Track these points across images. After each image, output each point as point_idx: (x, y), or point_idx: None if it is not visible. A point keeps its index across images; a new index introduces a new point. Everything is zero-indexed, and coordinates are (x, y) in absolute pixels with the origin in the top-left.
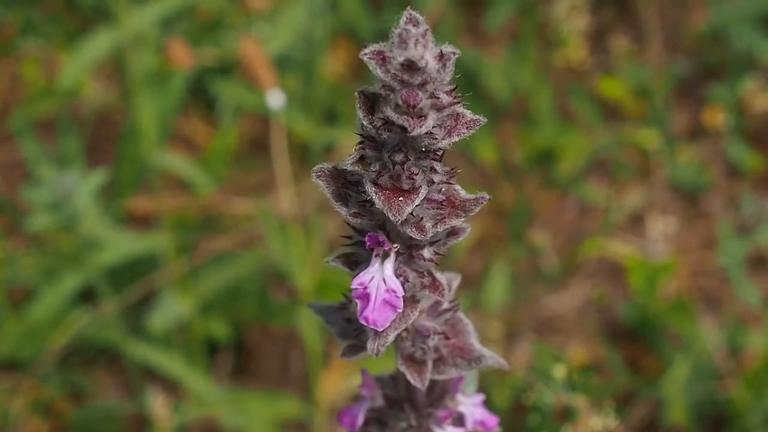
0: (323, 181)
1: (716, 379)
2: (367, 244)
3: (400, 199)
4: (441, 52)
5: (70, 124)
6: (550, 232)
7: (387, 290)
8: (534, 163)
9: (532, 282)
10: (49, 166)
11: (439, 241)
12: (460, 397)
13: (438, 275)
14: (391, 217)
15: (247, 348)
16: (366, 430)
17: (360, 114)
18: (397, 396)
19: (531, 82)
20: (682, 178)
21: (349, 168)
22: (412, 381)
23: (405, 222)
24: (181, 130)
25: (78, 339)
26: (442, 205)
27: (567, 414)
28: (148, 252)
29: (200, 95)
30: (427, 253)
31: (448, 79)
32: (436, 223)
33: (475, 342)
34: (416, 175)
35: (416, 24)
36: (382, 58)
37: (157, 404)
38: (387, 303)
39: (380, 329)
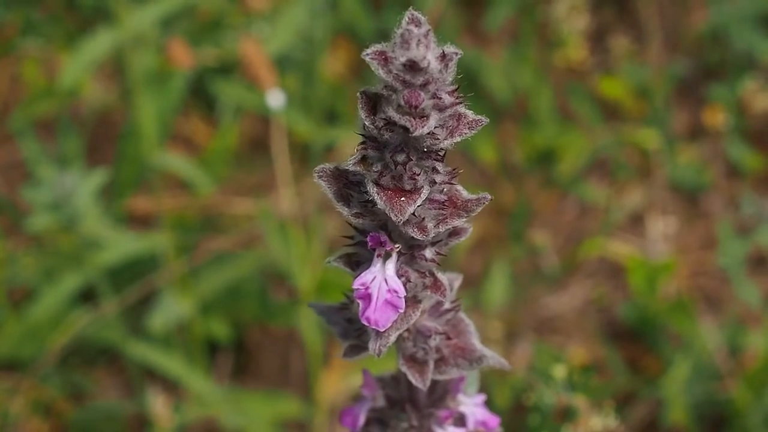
0: (325, 181)
1: (716, 379)
2: (369, 244)
3: (402, 199)
4: (443, 52)
5: (70, 124)
6: (550, 232)
7: (389, 290)
8: (534, 163)
9: (532, 282)
10: (49, 166)
11: (440, 241)
12: (461, 397)
13: (440, 275)
14: (393, 218)
15: (247, 348)
16: (367, 430)
17: (362, 114)
18: (399, 396)
19: (531, 82)
20: (682, 178)
21: (351, 168)
22: (413, 381)
23: (407, 222)
24: (181, 130)
25: (78, 339)
26: (444, 205)
27: (567, 414)
28: (148, 252)
29: (200, 95)
30: (428, 253)
31: (450, 79)
32: (438, 224)
33: (476, 342)
34: (418, 175)
35: (418, 24)
36: (385, 59)
37: (158, 404)
38: (389, 303)
39: (382, 329)
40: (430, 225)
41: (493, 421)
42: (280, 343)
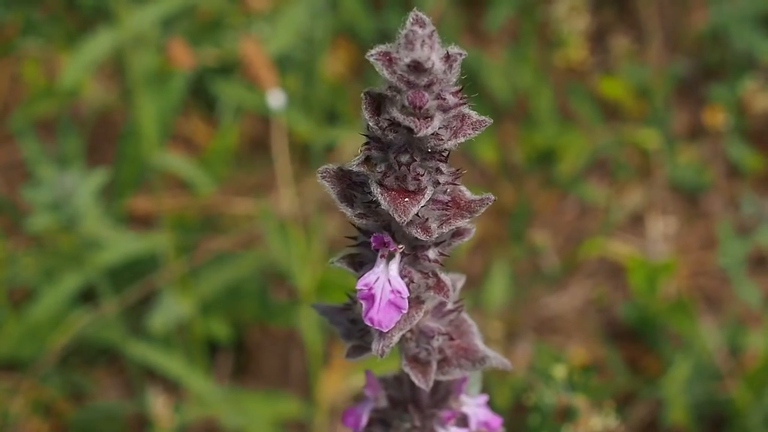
0: (328, 181)
1: (716, 379)
2: (373, 245)
3: (406, 200)
4: (447, 53)
5: (70, 124)
6: (550, 232)
7: (392, 291)
8: (534, 163)
9: (532, 282)
10: (49, 166)
11: (444, 241)
12: (463, 397)
13: (443, 276)
14: (396, 218)
15: (247, 348)
16: (370, 430)
17: (366, 115)
18: (401, 397)
19: (531, 82)
20: (682, 178)
21: (355, 169)
22: (416, 382)
23: (410, 223)
24: (182, 130)
25: (78, 339)
26: (448, 206)
27: (567, 414)
28: (148, 252)
29: (200, 95)
30: (432, 254)
31: (454, 80)
32: (442, 224)
33: (479, 343)
34: (422, 176)
35: (423, 25)
36: (389, 59)
37: (158, 404)
38: (392, 304)
39: (385, 330)
40: (433, 226)
41: (496, 421)
42: (280, 343)
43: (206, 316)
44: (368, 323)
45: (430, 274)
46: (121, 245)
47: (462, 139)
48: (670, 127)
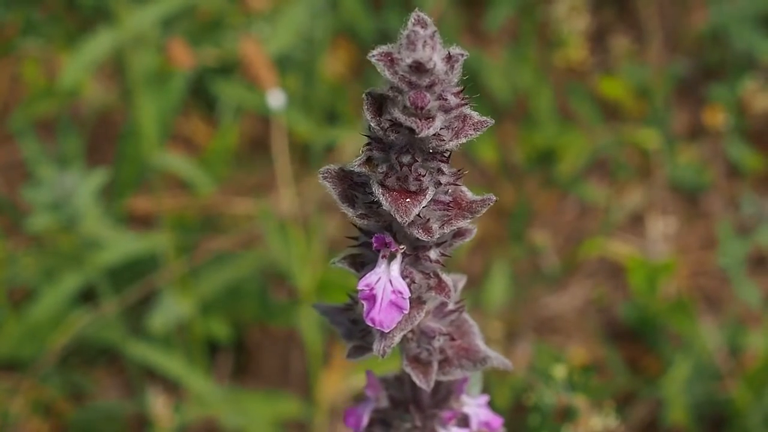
0: (330, 182)
1: (716, 379)
2: (374, 245)
3: (407, 200)
4: (449, 53)
5: (70, 124)
6: (550, 232)
7: (393, 291)
8: (534, 163)
9: (532, 282)
10: (49, 166)
11: (445, 242)
12: (464, 398)
13: (444, 276)
14: (398, 219)
15: (247, 348)
16: (371, 430)
17: (368, 115)
18: (402, 397)
19: (531, 82)
20: (682, 178)
21: (356, 169)
22: (417, 382)
23: (412, 223)
24: (182, 130)
25: (78, 339)
26: (449, 206)
27: (567, 414)
28: (148, 252)
29: (200, 95)
30: (433, 254)
31: (456, 80)
32: (443, 225)
33: (480, 343)
34: (423, 176)
35: (424, 26)
36: (390, 60)
37: (158, 404)
38: (393, 304)
39: (386, 330)
40: (435, 226)
41: (496, 421)
42: (280, 343)
43: (206, 316)
44: (369, 323)
45: (431, 274)
46: (121, 245)
47: (463, 140)
48: (670, 127)
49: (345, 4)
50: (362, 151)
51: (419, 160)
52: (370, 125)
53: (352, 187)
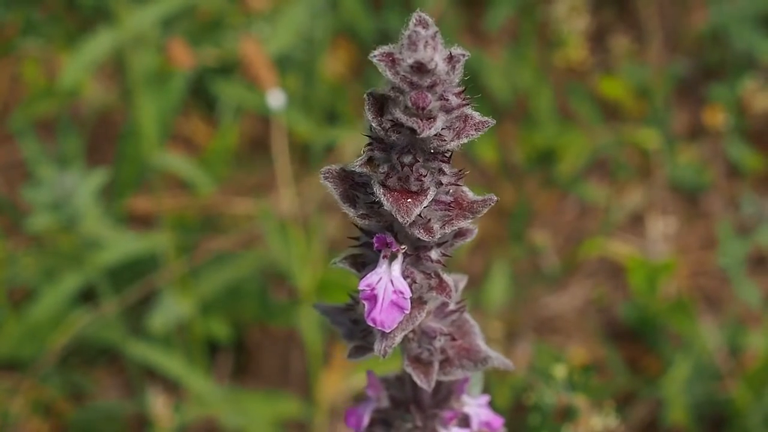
0: (331, 182)
1: (716, 379)
2: (375, 245)
3: (409, 200)
4: (450, 54)
5: (70, 124)
6: (550, 232)
7: (394, 291)
8: (534, 163)
9: (532, 282)
10: (49, 166)
11: (446, 242)
12: (465, 398)
13: (445, 276)
14: (399, 219)
15: (247, 348)
16: (371, 430)
17: (369, 115)
18: (403, 397)
19: (531, 82)
20: (682, 178)
21: (358, 169)
22: (418, 382)
23: (413, 223)
24: (182, 130)
25: (78, 339)
26: (450, 206)
27: (567, 414)
28: (148, 252)
29: (200, 95)
30: (434, 254)
31: (457, 81)
32: (444, 225)
33: (481, 343)
34: (425, 176)
35: (426, 26)
36: (392, 60)
37: (158, 404)
38: (394, 304)
39: (387, 330)
40: (436, 226)
41: (497, 421)
42: (280, 343)
43: (206, 316)
44: (371, 324)
45: (432, 274)
46: (121, 245)
47: (465, 140)
48: (670, 127)
49: (345, 4)
50: (363, 152)
51: (420, 160)
52: (371, 125)
53: (353, 187)
